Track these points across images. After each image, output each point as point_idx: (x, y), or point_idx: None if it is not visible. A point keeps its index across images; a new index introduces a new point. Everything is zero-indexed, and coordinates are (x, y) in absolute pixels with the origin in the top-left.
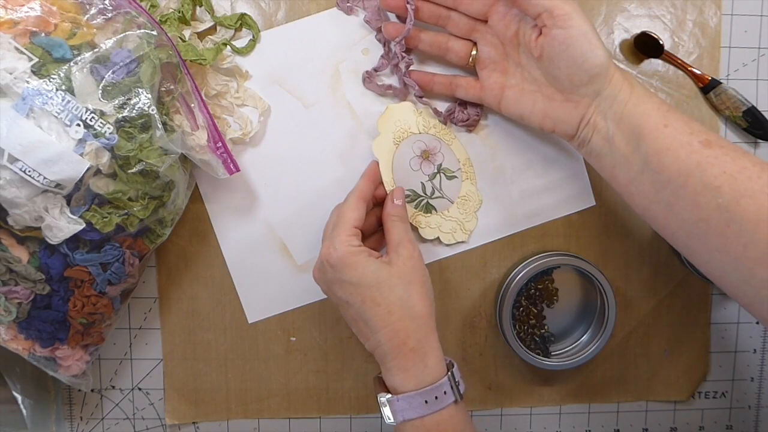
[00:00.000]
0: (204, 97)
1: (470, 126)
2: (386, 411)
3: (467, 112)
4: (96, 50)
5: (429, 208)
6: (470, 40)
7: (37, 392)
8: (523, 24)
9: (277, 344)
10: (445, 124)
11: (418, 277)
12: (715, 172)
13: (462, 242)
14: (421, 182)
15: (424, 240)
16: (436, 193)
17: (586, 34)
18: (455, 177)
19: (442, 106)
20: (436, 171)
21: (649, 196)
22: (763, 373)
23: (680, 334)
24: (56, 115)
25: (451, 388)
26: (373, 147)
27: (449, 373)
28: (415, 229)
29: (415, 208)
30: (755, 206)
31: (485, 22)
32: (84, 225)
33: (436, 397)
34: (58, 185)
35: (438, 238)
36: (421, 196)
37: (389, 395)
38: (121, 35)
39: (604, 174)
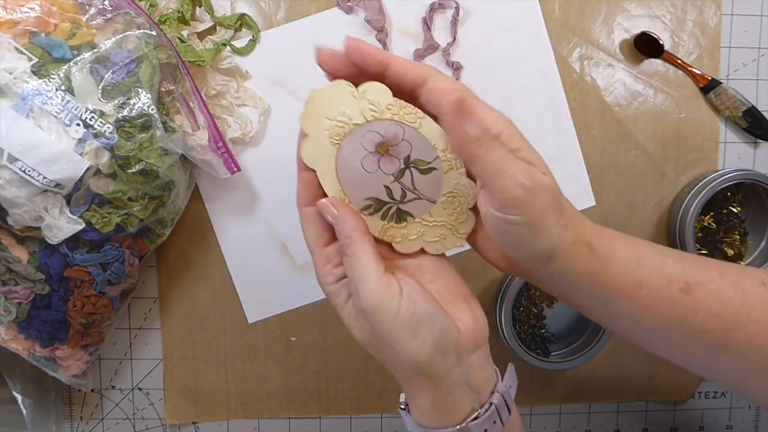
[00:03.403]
0: (204, 97)
1: None
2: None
3: None
4: (96, 50)
5: (402, 216)
6: None
7: (37, 392)
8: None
9: (277, 344)
10: None
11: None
12: (701, 318)
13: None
14: (385, 186)
15: (404, 256)
16: (410, 195)
17: (539, 222)
18: (433, 169)
19: None
20: (403, 166)
21: (620, 331)
22: None
23: None
24: (56, 114)
25: None
26: (303, 156)
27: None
28: (388, 245)
29: (383, 219)
30: (745, 337)
31: None
32: (84, 225)
33: None
34: (57, 185)
35: (422, 249)
36: (388, 202)
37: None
38: (121, 35)
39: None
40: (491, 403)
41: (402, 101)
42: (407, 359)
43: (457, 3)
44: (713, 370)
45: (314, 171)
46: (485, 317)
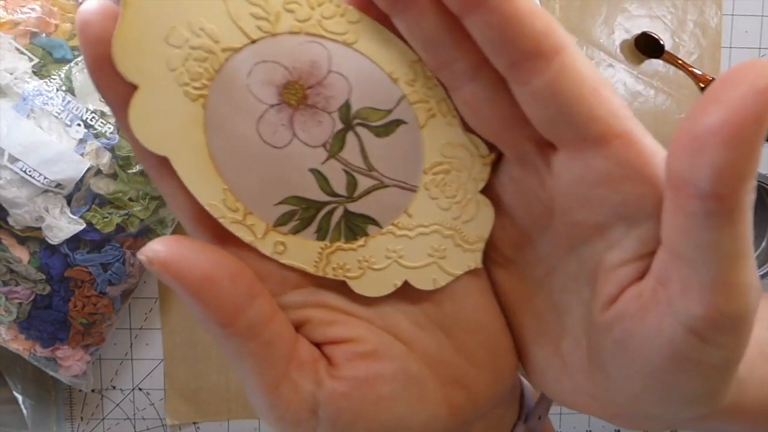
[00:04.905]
0: None
1: None
2: None
3: None
4: None
5: (357, 225)
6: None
7: (37, 392)
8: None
9: None
10: None
11: None
12: None
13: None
14: (312, 170)
15: (373, 301)
16: (363, 182)
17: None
18: (400, 123)
19: None
20: (341, 126)
21: None
22: None
23: None
24: (57, 115)
25: None
26: (135, 126)
27: None
28: (340, 284)
29: (320, 237)
30: None
31: None
32: (84, 225)
33: None
34: (58, 185)
35: (407, 282)
36: (325, 203)
37: None
38: None
39: None
40: None
41: (314, 4)
42: None
43: None
44: None
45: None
46: (515, 361)
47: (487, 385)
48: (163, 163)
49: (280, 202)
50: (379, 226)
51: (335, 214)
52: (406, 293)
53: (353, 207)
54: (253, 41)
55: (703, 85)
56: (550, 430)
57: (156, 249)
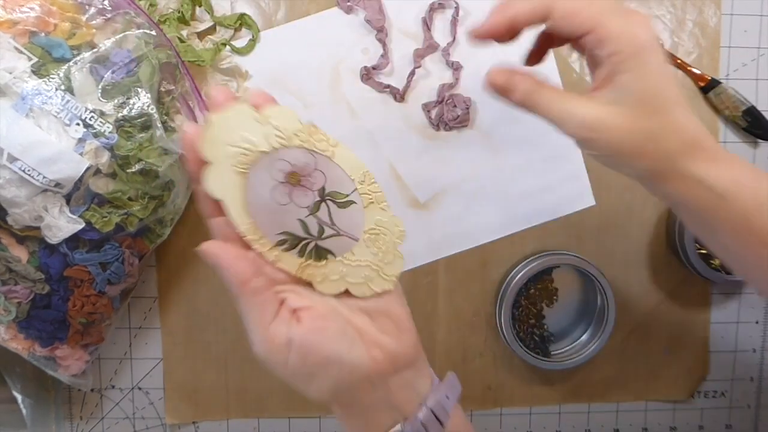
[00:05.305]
0: (204, 97)
1: (464, 123)
2: None
3: (456, 110)
4: (95, 50)
5: (322, 254)
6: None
7: (37, 392)
8: None
9: None
10: (437, 129)
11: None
12: None
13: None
14: (300, 220)
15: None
16: (328, 231)
17: (613, 156)
18: (352, 203)
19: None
20: (318, 199)
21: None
22: (762, 373)
23: (680, 333)
24: (56, 114)
25: None
26: (206, 186)
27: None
28: (308, 284)
29: (301, 256)
30: None
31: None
32: (83, 224)
33: None
34: (57, 184)
35: (347, 290)
36: (305, 238)
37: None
38: (121, 35)
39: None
40: (416, 418)
41: (312, 127)
42: (310, 398)
43: (456, 3)
44: None
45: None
46: (414, 337)
47: (395, 348)
48: (218, 205)
49: (279, 233)
50: (335, 256)
51: (310, 245)
52: (347, 295)
53: (321, 243)
54: (276, 149)
55: (702, 85)
56: (461, 415)
57: (209, 246)
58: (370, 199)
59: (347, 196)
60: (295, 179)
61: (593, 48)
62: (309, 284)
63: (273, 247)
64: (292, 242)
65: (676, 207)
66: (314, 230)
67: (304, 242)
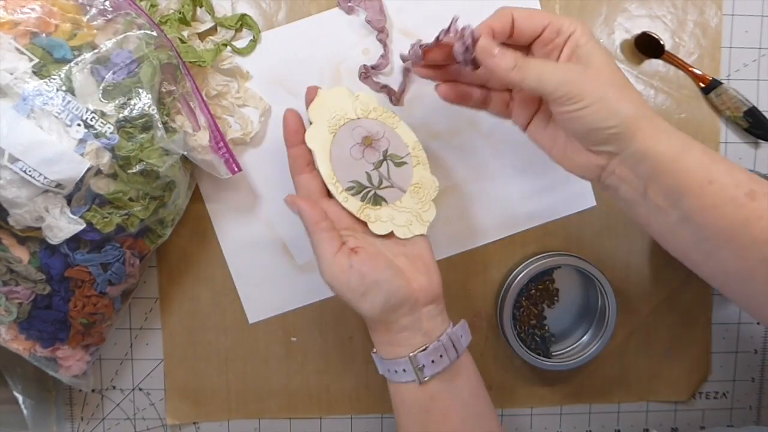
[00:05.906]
0: (205, 98)
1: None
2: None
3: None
4: (96, 51)
5: (378, 200)
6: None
7: (37, 392)
8: None
9: (277, 344)
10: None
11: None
12: (763, 226)
13: (421, 235)
14: (366, 172)
15: (375, 236)
16: (385, 183)
17: (599, 101)
18: (405, 163)
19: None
20: (382, 158)
21: (688, 244)
22: (764, 374)
23: (681, 334)
24: (57, 115)
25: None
26: (306, 138)
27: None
28: (364, 223)
29: (362, 200)
30: None
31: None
32: (84, 225)
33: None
34: (58, 185)
35: (392, 232)
36: (368, 187)
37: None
38: (122, 36)
39: (637, 221)
40: (439, 341)
41: (384, 107)
42: (363, 314)
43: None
44: None
45: (305, 149)
46: (439, 279)
47: (427, 283)
48: (305, 164)
49: (350, 181)
50: (387, 203)
51: (370, 193)
52: (392, 237)
53: (379, 192)
54: (358, 118)
55: (703, 85)
56: (471, 358)
57: (293, 197)
58: (418, 161)
59: (402, 158)
60: (368, 141)
61: (553, 38)
62: (364, 224)
63: (344, 191)
64: (357, 189)
65: (651, 178)
66: (375, 181)
67: (366, 190)
